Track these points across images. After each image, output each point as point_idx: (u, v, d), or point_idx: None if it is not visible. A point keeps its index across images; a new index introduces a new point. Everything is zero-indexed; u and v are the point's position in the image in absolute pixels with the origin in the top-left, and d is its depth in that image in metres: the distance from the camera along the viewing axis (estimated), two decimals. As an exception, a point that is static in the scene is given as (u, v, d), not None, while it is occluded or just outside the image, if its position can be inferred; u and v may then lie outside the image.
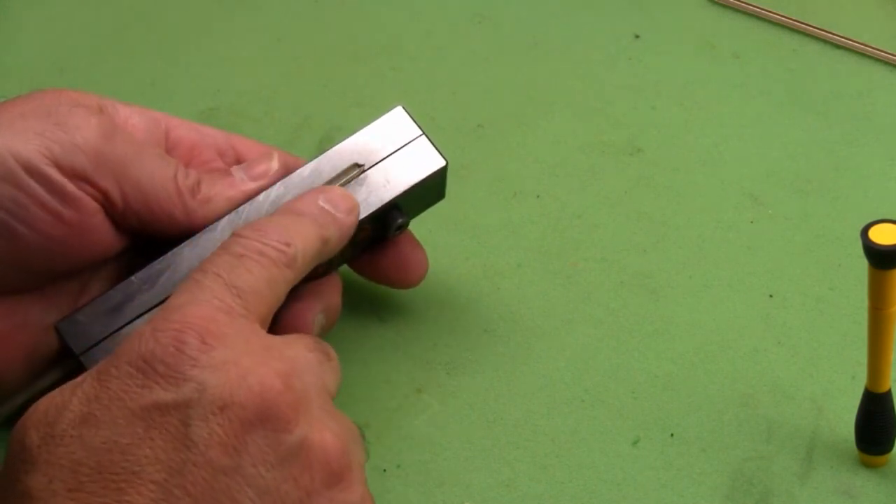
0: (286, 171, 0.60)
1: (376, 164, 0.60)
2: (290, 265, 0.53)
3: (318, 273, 0.60)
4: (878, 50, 0.78)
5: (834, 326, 0.64)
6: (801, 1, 0.81)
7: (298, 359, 0.50)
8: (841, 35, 0.79)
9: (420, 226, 0.66)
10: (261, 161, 0.60)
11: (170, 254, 0.57)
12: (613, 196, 0.71)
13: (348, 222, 0.57)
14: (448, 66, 0.80)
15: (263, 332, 0.51)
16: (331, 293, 0.60)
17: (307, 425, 0.48)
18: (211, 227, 0.58)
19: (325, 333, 0.60)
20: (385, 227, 0.61)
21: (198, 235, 0.57)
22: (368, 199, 0.60)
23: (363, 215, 0.59)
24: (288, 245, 0.53)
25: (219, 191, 0.58)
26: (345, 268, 0.65)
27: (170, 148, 0.61)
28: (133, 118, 0.59)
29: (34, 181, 0.54)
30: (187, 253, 0.57)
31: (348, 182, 0.60)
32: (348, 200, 0.58)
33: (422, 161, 0.61)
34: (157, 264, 0.57)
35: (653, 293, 0.66)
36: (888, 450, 0.58)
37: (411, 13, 0.84)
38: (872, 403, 0.57)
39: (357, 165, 0.60)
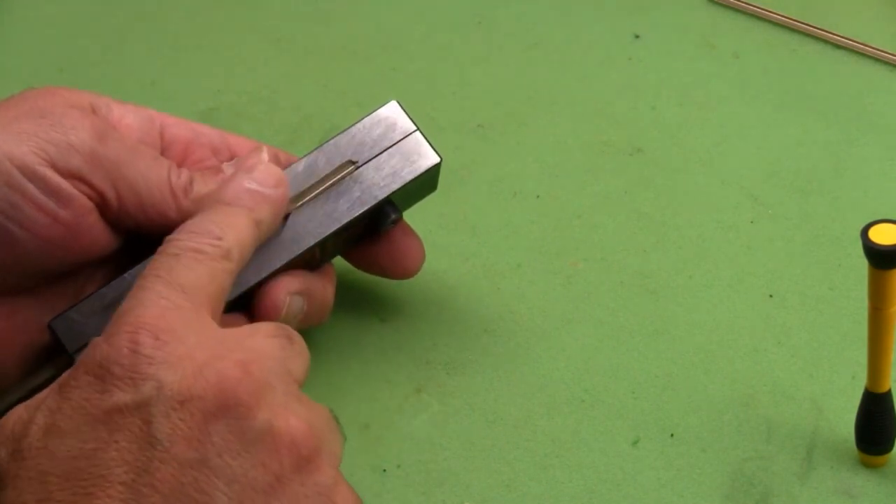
0: (277, 165, 0.60)
1: (370, 160, 0.60)
2: (227, 257, 0.53)
3: (311, 265, 0.60)
4: (878, 50, 0.78)
5: (834, 326, 0.64)
6: (801, 1, 0.81)
7: (257, 347, 0.50)
8: (841, 35, 0.79)
9: (420, 226, 0.66)
10: (250, 157, 0.60)
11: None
12: (613, 196, 0.71)
13: (278, 196, 0.57)
14: (448, 66, 0.80)
15: (215, 325, 0.51)
16: (316, 281, 0.60)
17: (270, 411, 0.48)
18: None
19: (306, 322, 0.60)
20: (378, 223, 0.61)
21: None
22: (362, 197, 0.60)
23: (357, 213, 0.59)
24: (220, 239, 0.53)
25: (211, 189, 0.58)
26: (347, 267, 0.65)
27: (165, 147, 0.61)
28: (127, 117, 0.59)
29: (29, 182, 0.54)
30: None
31: (342, 179, 0.60)
32: (273, 174, 0.58)
33: (416, 158, 0.61)
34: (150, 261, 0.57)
35: (653, 293, 0.66)
36: (888, 450, 0.58)
37: (411, 13, 0.84)
38: (872, 403, 0.57)
39: (351, 162, 0.60)
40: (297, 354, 0.52)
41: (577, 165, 0.73)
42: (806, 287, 0.66)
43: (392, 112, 0.61)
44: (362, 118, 0.61)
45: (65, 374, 0.49)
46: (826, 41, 0.79)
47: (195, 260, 0.52)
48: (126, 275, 0.57)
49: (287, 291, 0.58)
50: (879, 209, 0.69)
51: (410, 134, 0.61)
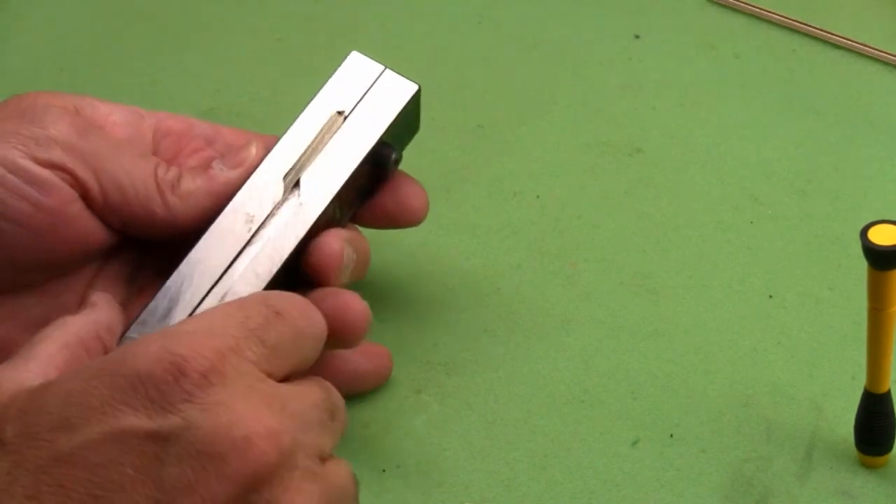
0: (267, 153, 0.60)
1: (354, 107, 0.60)
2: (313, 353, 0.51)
3: (334, 225, 0.60)
4: (878, 50, 0.78)
5: (833, 327, 0.64)
6: (801, 1, 0.81)
7: (298, 415, 0.48)
8: (841, 35, 0.79)
9: (421, 225, 0.65)
10: (239, 151, 0.59)
11: (196, 248, 0.57)
12: (613, 196, 0.71)
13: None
14: (448, 66, 0.80)
15: (271, 381, 0.49)
16: (354, 232, 0.60)
17: (281, 489, 0.46)
18: (228, 209, 0.58)
19: (355, 275, 0.59)
20: (381, 166, 0.61)
21: (219, 220, 0.57)
22: (359, 142, 0.60)
23: (361, 158, 0.59)
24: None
25: (199, 185, 0.58)
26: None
27: (158, 139, 0.61)
28: (113, 115, 0.59)
29: (9, 173, 0.54)
30: (215, 238, 0.57)
31: (336, 132, 0.60)
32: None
33: (396, 91, 0.61)
34: (188, 261, 0.57)
35: (652, 293, 0.66)
36: (887, 450, 0.58)
37: (411, 13, 0.84)
38: (872, 404, 0.57)
39: (338, 113, 0.60)
40: (333, 432, 0.50)
41: (576, 165, 0.73)
42: (806, 287, 0.66)
43: (357, 61, 0.61)
44: (330, 76, 0.61)
45: (98, 362, 0.47)
46: (826, 41, 0.79)
47: (305, 338, 0.50)
48: (169, 282, 0.56)
49: (341, 239, 0.58)
50: (879, 209, 0.69)
51: (382, 73, 0.61)
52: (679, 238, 0.69)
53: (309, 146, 0.60)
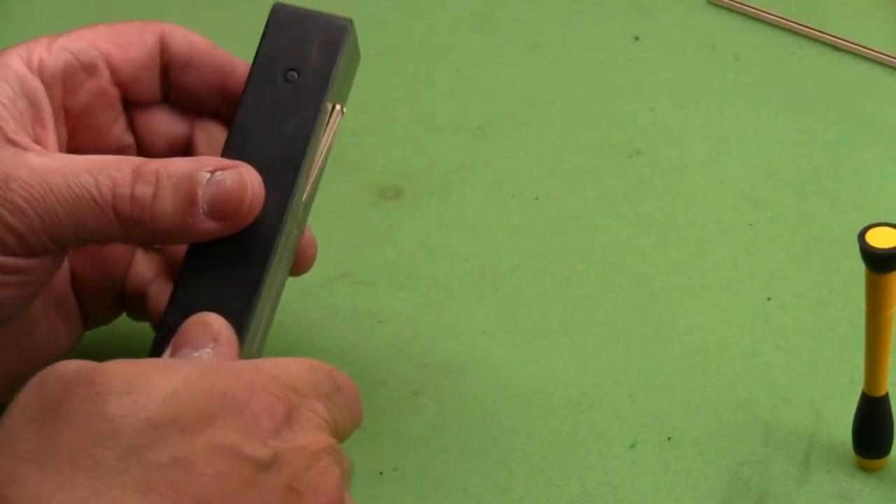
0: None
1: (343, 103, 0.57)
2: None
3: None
4: (877, 52, 0.78)
5: (832, 329, 0.64)
6: (800, 2, 0.81)
7: (344, 460, 0.51)
8: (840, 37, 0.79)
9: (419, 226, 0.66)
10: (230, 193, 0.54)
11: (268, 275, 0.55)
12: (612, 198, 0.71)
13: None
14: (448, 66, 0.80)
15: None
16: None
17: None
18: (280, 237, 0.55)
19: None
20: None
21: (274, 250, 0.55)
22: (331, 129, 0.57)
23: (328, 145, 0.57)
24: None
25: (176, 226, 0.54)
26: (343, 270, 0.65)
27: (51, 94, 0.59)
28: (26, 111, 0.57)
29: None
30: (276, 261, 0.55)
31: (333, 129, 0.57)
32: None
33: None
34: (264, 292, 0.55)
35: (651, 295, 0.66)
36: (885, 453, 0.58)
37: (411, 13, 0.84)
38: (870, 407, 0.57)
39: (335, 106, 0.57)
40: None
41: (576, 167, 0.73)
42: (804, 289, 0.66)
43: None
44: (338, 56, 0.56)
45: (193, 369, 0.47)
46: (825, 43, 0.79)
47: (353, 422, 0.53)
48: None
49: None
50: (879, 211, 0.69)
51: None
52: (678, 240, 0.69)
53: (319, 151, 0.56)
